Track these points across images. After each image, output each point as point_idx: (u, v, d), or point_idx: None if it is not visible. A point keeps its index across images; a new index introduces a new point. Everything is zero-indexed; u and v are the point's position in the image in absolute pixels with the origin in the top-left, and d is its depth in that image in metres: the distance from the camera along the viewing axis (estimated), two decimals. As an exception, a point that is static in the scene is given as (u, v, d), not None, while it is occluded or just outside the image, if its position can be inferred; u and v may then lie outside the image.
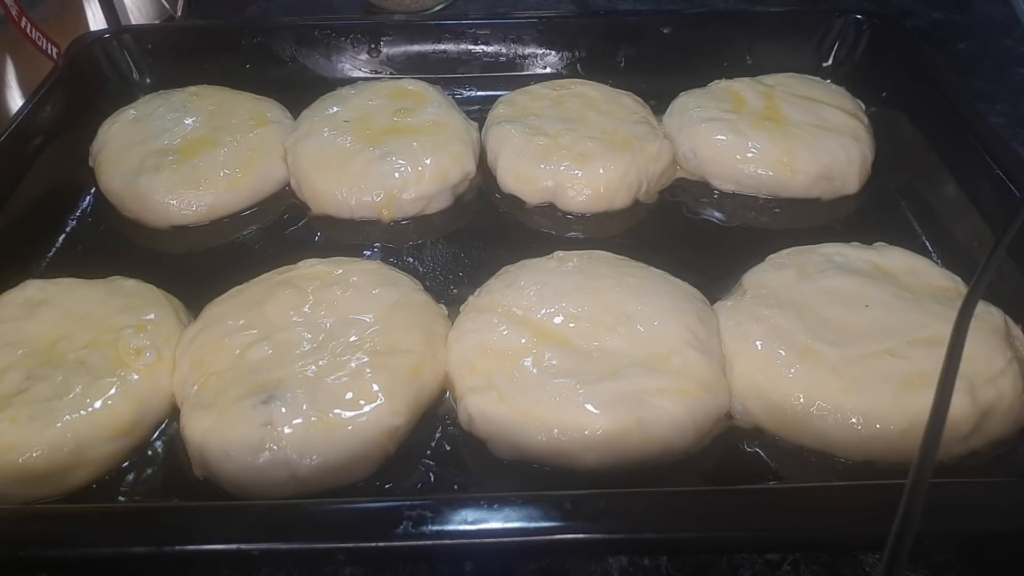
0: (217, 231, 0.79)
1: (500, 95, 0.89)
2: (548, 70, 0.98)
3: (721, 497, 0.49)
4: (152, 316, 0.63)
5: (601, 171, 0.77)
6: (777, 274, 0.65)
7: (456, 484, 0.57)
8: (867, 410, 0.55)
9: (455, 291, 0.72)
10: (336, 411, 0.55)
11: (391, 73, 0.97)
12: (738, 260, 0.69)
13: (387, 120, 0.83)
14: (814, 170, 0.78)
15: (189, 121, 0.84)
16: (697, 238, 0.77)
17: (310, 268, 0.67)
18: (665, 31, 0.96)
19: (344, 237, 0.79)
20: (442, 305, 0.67)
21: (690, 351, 0.58)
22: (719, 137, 0.80)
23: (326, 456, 0.54)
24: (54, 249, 0.77)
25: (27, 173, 0.80)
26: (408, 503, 0.47)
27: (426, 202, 0.79)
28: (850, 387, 0.56)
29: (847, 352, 0.57)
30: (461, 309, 0.65)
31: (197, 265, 0.76)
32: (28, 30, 0.84)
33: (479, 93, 0.96)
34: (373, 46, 0.97)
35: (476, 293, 0.66)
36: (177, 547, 0.45)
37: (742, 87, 0.86)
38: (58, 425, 0.55)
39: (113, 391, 0.57)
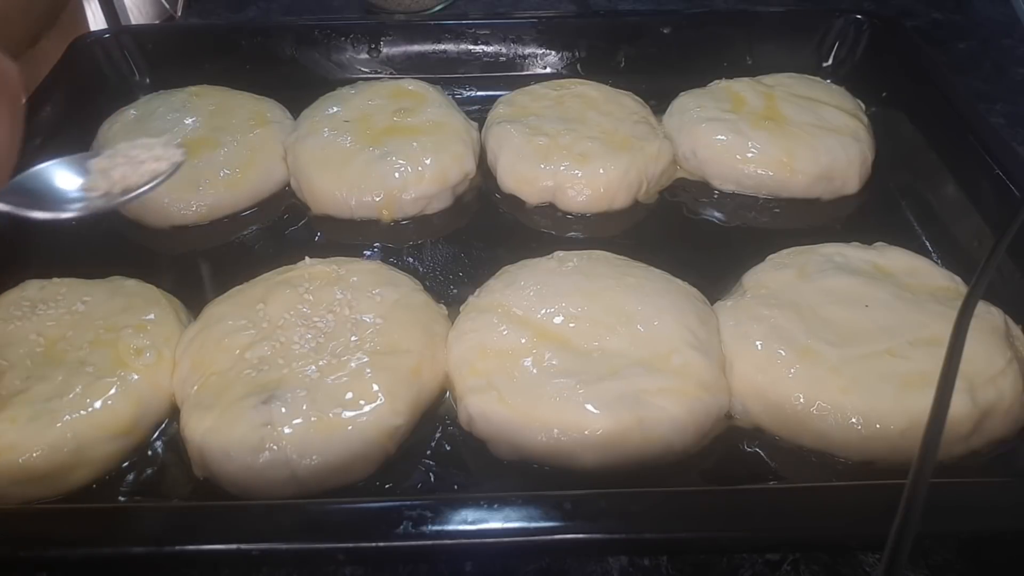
0: (217, 231, 0.79)
1: (500, 95, 0.89)
2: (548, 70, 0.98)
3: (721, 497, 0.49)
4: (152, 316, 0.63)
5: (601, 171, 0.77)
6: (777, 274, 0.65)
7: (456, 484, 0.57)
8: (867, 410, 0.55)
9: (455, 291, 0.71)
10: (336, 411, 0.55)
11: (391, 73, 0.97)
12: (738, 260, 0.69)
13: (387, 120, 0.83)
14: (814, 170, 0.78)
15: (189, 121, 0.84)
16: (697, 238, 0.77)
17: (310, 268, 0.67)
18: (665, 31, 0.96)
19: (344, 237, 0.79)
20: (442, 305, 0.67)
21: (690, 351, 0.58)
22: (719, 137, 0.80)
23: (326, 456, 0.54)
24: (54, 249, 0.77)
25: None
26: (408, 503, 0.47)
27: (426, 202, 0.79)
28: (850, 387, 0.56)
29: (847, 352, 0.57)
30: (461, 309, 0.65)
31: (197, 265, 0.76)
32: None
33: (479, 93, 0.96)
34: (373, 46, 0.97)
35: (476, 293, 0.66)
36: (177, 547, 0.45)
37: (742, 87, 0.86)
38: (58, 425, 0.55)
39: (113, 391, 0.57)
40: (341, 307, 0.62)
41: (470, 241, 0.77)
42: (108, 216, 0.80)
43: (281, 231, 0.79)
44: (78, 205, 0.48)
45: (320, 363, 0.58)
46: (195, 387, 0.58)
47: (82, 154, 0.50)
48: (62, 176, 0.50)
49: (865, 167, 0.80)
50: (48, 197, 0.48)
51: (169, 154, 0.51)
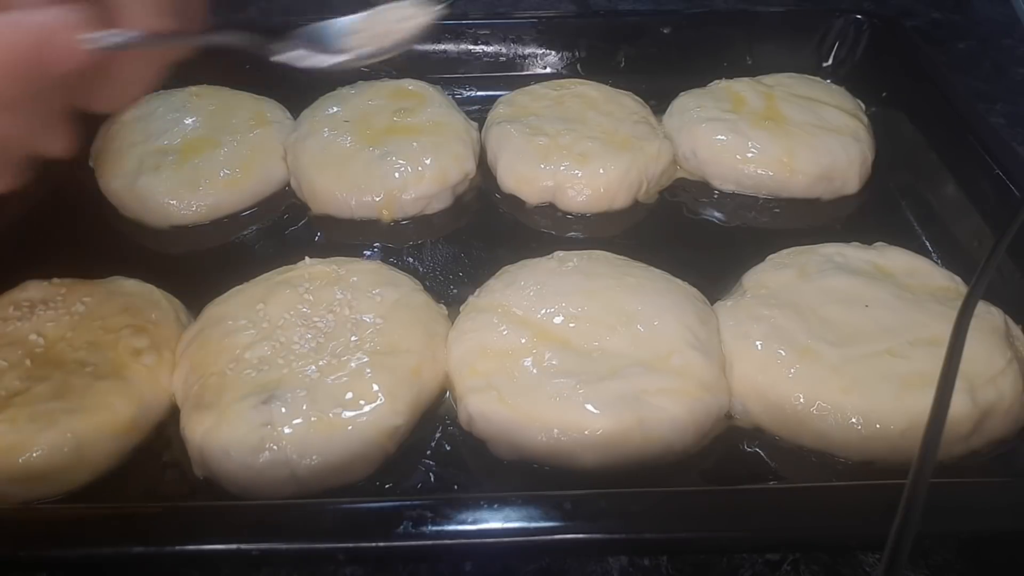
0: (217, 231, 0.79)
1: (500, 95, 0.89)
2: (548, 70, 0.98)
3: (721, 497, 0.49)
4: (152, 316, 0.63)
5: (601, 171, 0.77)
6: (777, 274, 0.65)
7: (456, 484, 0.57)
8: (867, 410, 0.55)
9: (455, 291, 0.71)
10: (336, 411, 0.55)
11: (391, 73, 0.97)
12: (738, 260, 0.69)
13: (387, 120, 0.83)
14: (814, 170, 0.78)
15: (189, 121, 0.84)
16: (697, 238, 0.77)
17: (310, 268, 0.67)
18: (665, 31, 0.96)
19: (344, 237, 0.78)
20: (442, 305, 0.67)
21: (690, 351, 0.58)
22: (719, 137, 0.80)
23: (326, 456, 0.54)
24: (54, 249, 0.77)
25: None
26: (408, 503, 0.47)
27: (426, 202, 0.79)
28: (850, 387, 0.56)
29: (847, 352, 0.57)
30: (461, 309, 0.65)
31: (197, 265, 0.76)
32: None
33: (479, 93, 0.96)
34: (373, 45, 0.97)
35: (476, 293, 0.66)
36: (177, 547, 0.45)
37: (742, 87, 0.86)
38: (58, 425, 0.55)
39: (113, 391, 0.57)
40: (341, 307, 0.62)
41: (470, 241, 0.77)
42: (108, 216, 0.81)
43: (281, 231, 0.79)
44: (346, 56, 0.50)
45: (320, 363, 0.58)
46: (195, 387, 0.58)
47: (341, 18, 0.52)
48: (330, 32, 0.52)
49: (865, 167, 0.80)
50: (321, 51, 0.50)
51: (424, 10, 0.53)
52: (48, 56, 0.38)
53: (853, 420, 0.55)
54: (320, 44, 0.51)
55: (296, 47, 0.50)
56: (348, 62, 0.50)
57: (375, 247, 0.77)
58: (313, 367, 0.58)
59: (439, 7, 0.52)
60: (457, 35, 0.97)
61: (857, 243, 0.68)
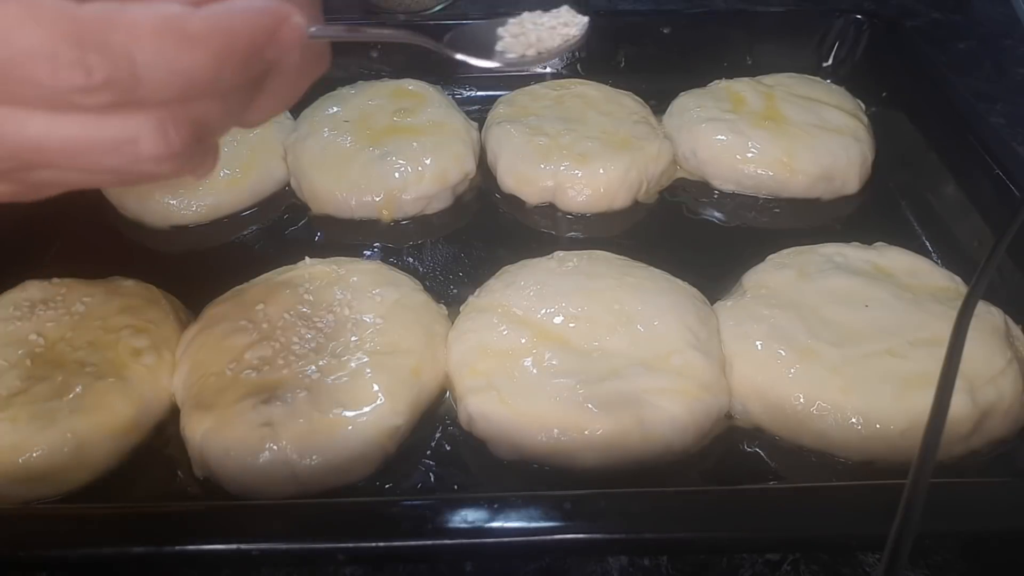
0: (217, 231, 0.79)
1: (500, 95, 0.89)
2: (548, 70, 0.98)
3: (721, 497, 0.49)
4: (152, 316, 0.63)
5: (601, 171, 0.77)
6: (777, 274, 0.65)
7: (456, 484, 0.57)
8: (867, 410, 0.55)
9: (455, 291, 0.71)
10: (336, 411, 0.55)
11: (391, 73, 0.97)
12: (738, 260, 0.69)
13: (387, 120, 0.83)
14: (814, 170, 0.78)
15: (189, 121, 0.84)
16: (697, 238, 0.77)
17: (310, 268, 0.67)
18: (665, 31, 0.96)
19: (344, 237, 0.78)
20: (442, 305, 0.67)
21: (690, 351, 0.58)
22: (719, 137, 0.80)
23: (326, 456, 0.54)
24: (54, 249, 0.77)
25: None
26: (408, 503, 0.47)
27: (426, 202, 0.79)
28: (850, 387, 0.56)
29: (847, 352, 0.57)
30: (461, 309, 0.65)
31: (197, 265, 0.75)
32: None
33: (479, 93, 0.96)
34: (373, 46, 0.97)
35: (476, 293, 0.66)
36: (177, 547, 0.45)
37: (742, 87, 0.86)
38: (58, 425, 0.55)
39: (113, 391, 0.57)
40: (341, 307, 0.62)
41: (470, 241, 0.77)
42: (108, 216, 0.81)
43: (281, 231, 0.79)
44: (495, 63, 0.50)
45: (320, 363, 0.58)
46: (195, 387, 0.58)
47: (490, 20, 0.52)
48: (482, 36, 0.51)
49: (865, 167, 0.80)
50: (474, 54, 0.50)
51: (576, 20, 0.52)
52: (275, 39, 0.34)
53: (853, 420, 0.55)
54: (474, 47, 0.50)
55: (457, 48, 0.49)
56: (498, 68, 0.50)
57: (375, 247, 0.77)
58: (313, 367, 0.58)
59: (589, 19, 0.52)
60: (457, 35, 0.96)
61: (857, 243, 0.68)
